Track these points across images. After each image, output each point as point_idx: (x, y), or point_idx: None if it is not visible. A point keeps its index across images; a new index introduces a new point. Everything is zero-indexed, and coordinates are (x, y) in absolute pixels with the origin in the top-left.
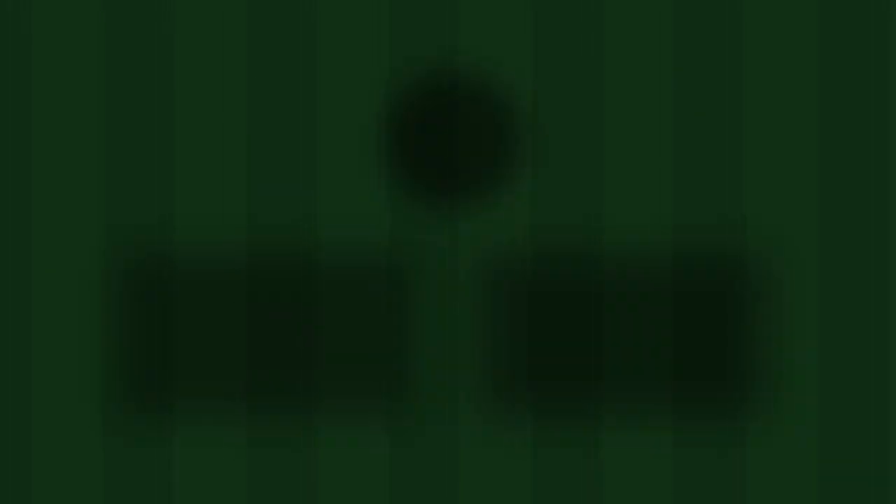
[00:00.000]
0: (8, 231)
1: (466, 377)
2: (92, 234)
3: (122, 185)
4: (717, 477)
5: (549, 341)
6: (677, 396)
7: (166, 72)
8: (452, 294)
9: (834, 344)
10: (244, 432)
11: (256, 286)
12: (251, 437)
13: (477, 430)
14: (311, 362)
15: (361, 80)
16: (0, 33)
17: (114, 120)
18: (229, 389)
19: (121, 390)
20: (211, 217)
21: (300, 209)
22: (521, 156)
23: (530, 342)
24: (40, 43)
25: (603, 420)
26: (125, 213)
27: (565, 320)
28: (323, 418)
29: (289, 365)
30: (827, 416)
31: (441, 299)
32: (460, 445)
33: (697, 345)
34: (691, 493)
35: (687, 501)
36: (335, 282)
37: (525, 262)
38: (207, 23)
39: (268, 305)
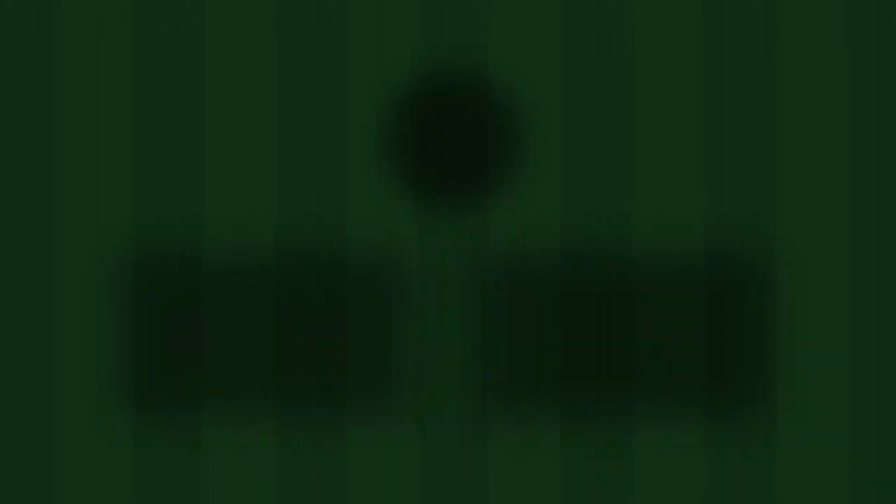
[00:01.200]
0: (37, 230)
1: (465, 376)
2: (119, 233)
3: (146, 184)
4: (721, 476)
5: (548, 341)
6: (679, 397)
7: (169, 72)
8: (453, 294)
9: (858, 343)
10: (251, 430)
11: (258, 286)
12: (253, 436)
13: (476, 429)
14: (312, 361)
15: (362, 81)
16: (30, 31)
17: (141, 121)
18: (233, 389)
19: (148, 391)
20: (212, 217)
21: (300, 209)
22: (521, 155)
23: (529, 342)
24: (69, 41)
25: (601, 419)
26: (146, 212)
27: (565, 319)
28: (322, 417)
29: (289, 364)
30: (854, 416)
31: (441, 299)
32: (460, 445)
33: (702, 344)
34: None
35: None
36: (336, 282)
37: (526, 261)
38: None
39: (268, 304)
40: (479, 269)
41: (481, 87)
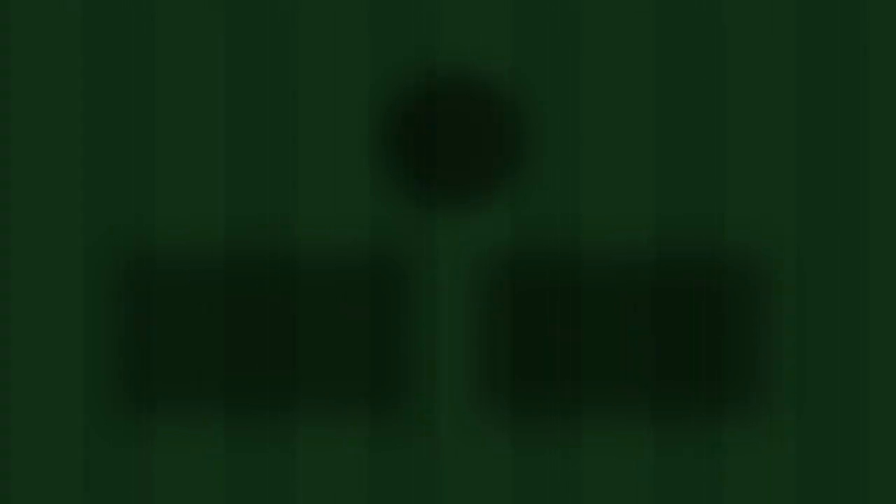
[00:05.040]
0: (129, 227)
1: (459, 378)
2: (215, 230)
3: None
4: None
5: (541, 341)
6: (663, 395)
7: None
8: (448, 294)
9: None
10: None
11: (242, 285)
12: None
13: (470, 432)
14: (309, 362)
15: (360, 80)
16: (125, 31)
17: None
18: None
19: (242, 392)
20: (189, 216)
21: (295, 209)
22: (517, 155)
23: (522, 342)
24: (164, 49)
25: (584, 420)
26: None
27: (554, 319)
28: (313, 418)
29: (280, 364)
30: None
31: (436, 300)
32: (452, 448)
33: (689, 345)
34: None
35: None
36: (329, 282)
37: (519, 262)
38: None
39: (266, 303)
40: (461, 271)
41: (483, 87)
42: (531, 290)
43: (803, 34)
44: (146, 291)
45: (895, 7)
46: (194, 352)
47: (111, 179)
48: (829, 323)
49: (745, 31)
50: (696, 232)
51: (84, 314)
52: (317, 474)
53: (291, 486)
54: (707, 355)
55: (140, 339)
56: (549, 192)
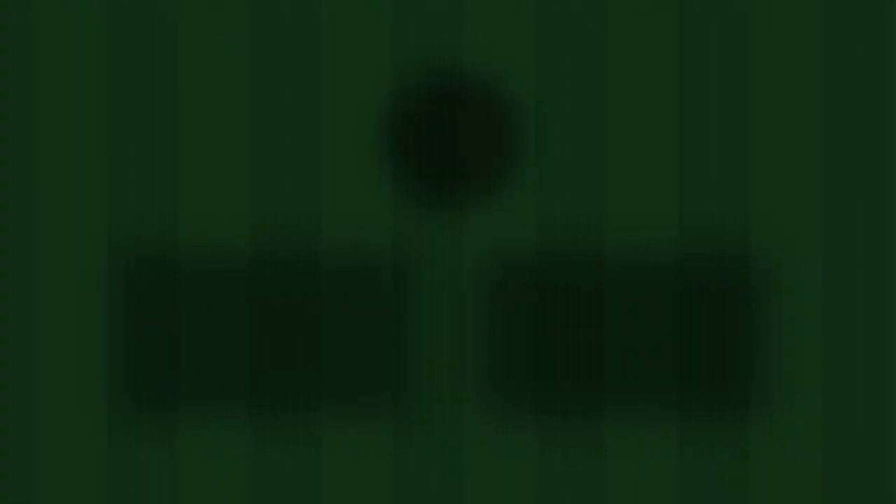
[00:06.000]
0: (156, 226)
1: (469, 377)
2: (240, 229)
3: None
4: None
5: (550, 340)
6: (683, 395)
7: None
8: (456, 294)
9: (841, 344)
10: (230, 430)
11: (258, 285)
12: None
13: (479, 430)
14: (314, 362)
15: (363, 80)
16: (148, 37)
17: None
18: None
19: (267, 392)
20: (211, 216)
21: (302, 208)
22: (524, 154)
23: (532, 342)
24: (186, 52)
25: (602, 419)
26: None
27: (567, 319)
28: (325, 418)
29: (291, 364)
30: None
31: (445, 299)
32: (463, 446)
33: (703, 344)
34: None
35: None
36: (337, 282)
37: (529, 261)
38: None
39: (264, 302)
40: (470, 270)
41: (484, 87)
42: (549, 289)
43: (829, 33)
44: (168, 291)
45: None
46: (216, 352)
47: (133, 179)
48: (853, 323)
49: (770, 29)
50: (720, 232)
51: (107, 314)
52: (334, 474)
53: (315, 485)
54: (730, 355)
55: (162, 340)
56: (570, 191)
